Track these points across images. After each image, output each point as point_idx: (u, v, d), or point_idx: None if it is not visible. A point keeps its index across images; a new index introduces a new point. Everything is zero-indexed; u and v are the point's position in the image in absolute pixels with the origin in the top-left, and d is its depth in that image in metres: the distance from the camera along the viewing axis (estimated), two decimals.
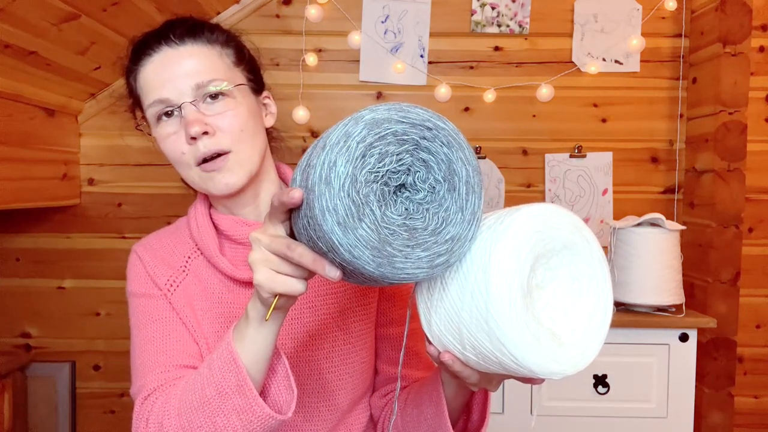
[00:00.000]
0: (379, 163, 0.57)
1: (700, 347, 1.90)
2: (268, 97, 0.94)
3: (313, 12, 2.09)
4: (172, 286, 0.89)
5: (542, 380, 0.68)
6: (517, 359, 0.61)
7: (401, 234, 0.58)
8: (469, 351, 0.65)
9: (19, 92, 1.72)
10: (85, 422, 2.21)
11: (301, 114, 2.12)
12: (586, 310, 0.66)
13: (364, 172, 0.56)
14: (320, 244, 0.58)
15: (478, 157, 2.16)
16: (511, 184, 2.19)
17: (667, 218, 1.79)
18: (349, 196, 0.55)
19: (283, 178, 0.96)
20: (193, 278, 0.90)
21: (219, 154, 0.83)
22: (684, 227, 1.84)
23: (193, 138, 0.81)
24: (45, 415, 2.16)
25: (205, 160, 0.83)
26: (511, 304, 0.60)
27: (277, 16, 2.15)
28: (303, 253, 0.61)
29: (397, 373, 0.94)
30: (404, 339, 0.79)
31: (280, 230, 0.64)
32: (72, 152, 2.12)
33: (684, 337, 1.78)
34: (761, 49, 2.14)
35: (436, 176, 0.60)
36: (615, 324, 1.75)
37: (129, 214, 2.18)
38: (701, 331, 1.90)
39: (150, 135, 0.88)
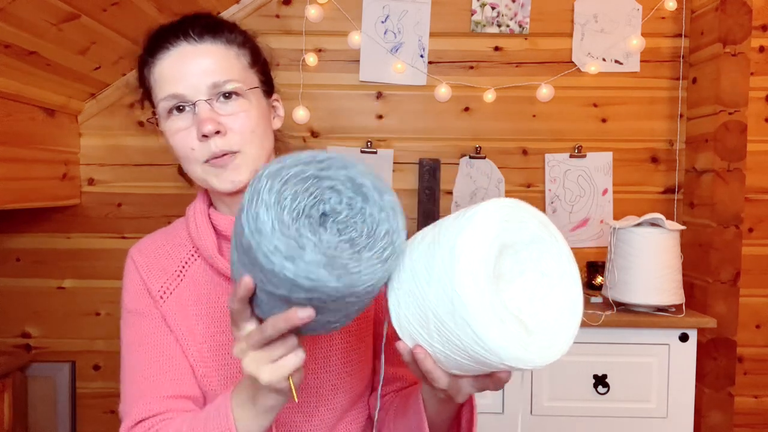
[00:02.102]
0: (294, 202, 0.61)
1: (700, 347, 1.90)
2: (277, 100, 0.95)
3: (313, 12, 2.09)
4: (165, 292, 0.89)
5: (509, 375, 0.67)
6: (482, 339, 0.60)
7: (344, 247, 0.62)
8: (435, 339, 0.65)
9: (19, 92, 1.72)
10: (85, 422, 2.21)
11: (301, 114, 2.12)
12: (555, 306, 0.66)
13: (285, 213, 0.60)
14: (280, 291, 0.60)
15: (478, 157, 2.16)
16: (511, 184, 2.19)
17: (667, 218, 1.79)
18: (283, 234, 0.59)
19: None
20: (190, 282, 0.90)
21: (228, 153, 0.83)
22: (684, 227, 1.84)
23: (205, 136, 0.81)
24: (45, 415, 2.16)
25: (213, 158, 0.83)
26: (475, 282, 0.60)
27: (277, 16, 2.15)
28: (275, 324, 0.63)
29: (395, 372, 0.94)
30: (383, 338, 0.79)
31: (250, 325, 0.66)
32: (72, 152, 2.12)
33: (684, 337, 1.78)
34: (761, 49, 2.14)
35: (348, 194, 0.65)
36: (615, 324, 1.77)
37: (129, 214, 2.18)
38: (701, 331, 1.90)
39: (156, 126, 0.88)
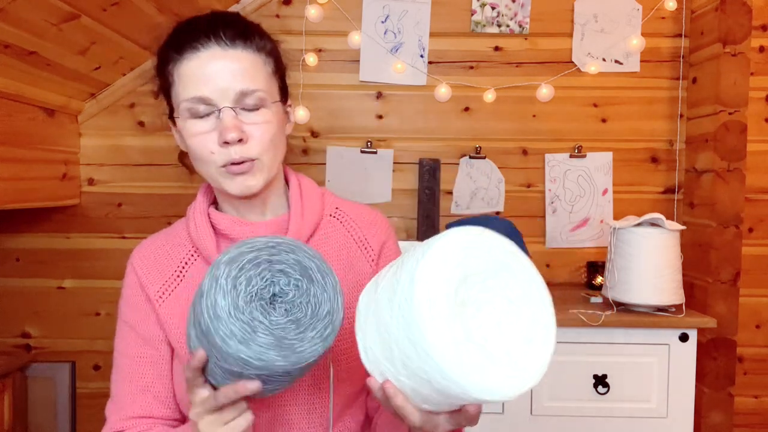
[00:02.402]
0: (248, 286, 0.70)
1: (700, 347, 1.90)
2: (290, 106, 0.95)
3: (313, 12, 2.09)
4: (164, 293, 0.90)
5: (478, 409, 0.66)
6: (441, 368, 0.59)
7: (290, 328, 0.70)
8: (402, 373, 0.64)
9: (19, 92, 1.72)
10: (85, 422, 2.21)
11: (301, 114, 2.12)
12: (524, 334, 0.65)
13: (240, 298, 0.69)
14: (234, 369, 0.69)
15: (478, 157, 2.16)
16: (511, 184, 2.19)
17: (667, 218, 1.79)
18: (238, 319, 0.68)
19: (287, 181, 0.97)
20: (189, 282, 0.90)
21: (246, 160, 0.83)
22: (684, 227, 1.84)
23: (227, 143, 0.81)
24: (45, 415, 2.16)
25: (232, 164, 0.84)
26: (433, 309, 0.59)
27: (277, 16, 2.15)
28: (226, 394, 0.71)
29: None
30: (330, 370, 0.80)
31: (204, 392, 0.74)
32: (72, 152, 2.12)
33: (684, 337, 1.78)
34: (761, 49, 2.14)
35: (295, 276, 0.73)
36: (615, 324, 1.77)
37: (129, 214, 2.18)
38: (701, 331, 1.90)
39: (168, 118, 0.87)
